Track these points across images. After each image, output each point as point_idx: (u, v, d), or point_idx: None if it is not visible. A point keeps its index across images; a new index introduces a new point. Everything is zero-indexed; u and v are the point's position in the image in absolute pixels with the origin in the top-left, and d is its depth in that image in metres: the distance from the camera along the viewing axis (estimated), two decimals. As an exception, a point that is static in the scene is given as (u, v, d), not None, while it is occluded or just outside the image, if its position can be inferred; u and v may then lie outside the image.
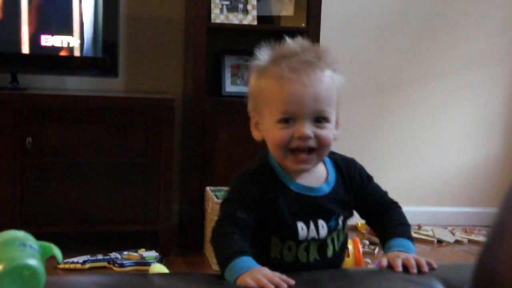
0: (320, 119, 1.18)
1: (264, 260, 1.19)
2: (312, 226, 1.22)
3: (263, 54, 1.23)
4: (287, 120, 1.18)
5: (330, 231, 1.24)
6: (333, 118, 1.21)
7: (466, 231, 3.16)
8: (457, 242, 3.03)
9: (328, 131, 1.19)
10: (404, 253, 1.19)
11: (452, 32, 3.26)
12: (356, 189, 1.29)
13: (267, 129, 1.22)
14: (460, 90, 3.32)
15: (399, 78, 3.25)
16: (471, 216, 3.30)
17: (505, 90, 3.35)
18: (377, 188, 1.33)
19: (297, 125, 1.17)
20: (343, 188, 1.27)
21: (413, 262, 1.15)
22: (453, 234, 3.08)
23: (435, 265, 1.17)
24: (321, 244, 1.24)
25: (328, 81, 1.19)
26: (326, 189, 1.25)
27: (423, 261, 1.16)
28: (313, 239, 1.23)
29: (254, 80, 1.25)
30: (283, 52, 1.21)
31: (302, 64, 1.18)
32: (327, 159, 1.28)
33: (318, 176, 1.26)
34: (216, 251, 1.18)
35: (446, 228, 3.17)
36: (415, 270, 1.14)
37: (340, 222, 1.26)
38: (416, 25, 3.23)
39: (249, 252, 1.14)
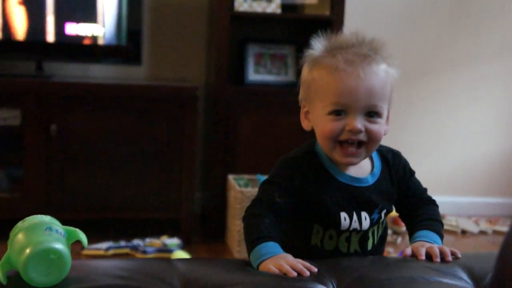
0: (372, 114, 1.17)
1: (304, 246, 1.19)
2: (355, 217, 1.21)
3: (318, 45, 1.21)
4: (339, 112, 1.16)
5: (372, 224, 1.23)
6: (385, 113, 1.19)
7: (490, 222, 3.13)
8: (482, 232, 3.01)
9: (379, 126, 1.18)
10: (429, 243, 1.19)
11: (476, 21, 3.22)
12: (399, 182, 1.28)
13: (317, 120, 1.20)
14: (485, 80, 3.28)
15: (424, 67, 3.22)
16: (496, 206, 3.27)
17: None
18: (418, 184, 1.32)
19: (348, 118, 1.16)
20: (388, 180, 1.26)
21: (437, 251, 1.15)
22: (478, 224, 3.06)
23: (459, 255, 1.16)
24: (363, 236, 1.24)
25: (383, 75, 1.18)
26: (371, 180, 1.24)
27: (447, 250, 1.16)
28: (355, 230, 1.22)
29: (307, 70, 1.23)
30: (339, 44, 1.20)
31: (358, 57, 1.16)
32: None
33: (363, 167, 1.25)
34: (245, 231, 1.18)
35: (470, 218, 3.15)
36: (438, 259, 1.14)
37: (383, 215, 1.25)
38: (441, 13, 3.20)
39: (277, 238, 1.14)
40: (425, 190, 1.33)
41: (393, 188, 1.27)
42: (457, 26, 3.22)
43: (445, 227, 2.91)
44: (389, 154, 1.29)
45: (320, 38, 1.22)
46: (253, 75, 2.87)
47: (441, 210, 3.40)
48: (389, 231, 2.82)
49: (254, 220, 1.17)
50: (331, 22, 2.70)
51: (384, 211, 1.25)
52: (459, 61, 3.24)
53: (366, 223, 1.22)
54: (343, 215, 1.21)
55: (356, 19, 3.03)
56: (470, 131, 3.30)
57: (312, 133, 1.25)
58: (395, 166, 1.28)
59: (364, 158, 1.22)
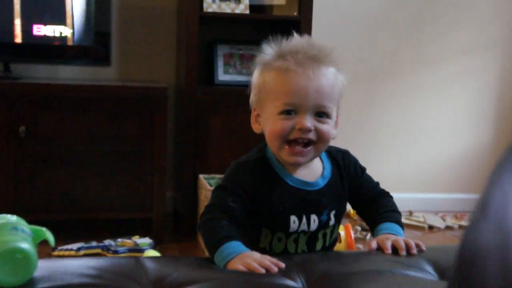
0: (321, 114, 1.19)
1: (253, 249, 1.19)
2: (304, 219, 1.23)
3: (269, 49, 1.23)
4: (289, 112, 1.18)
5: (320, 225, 1.24)
6: (333, 114, 1.21)
7: (456, 217, 3.17)
8: (448, 228, 3.05)
9: (328, 126, 1.20)
10: (394, 236, 1.20)
11: (442, 20, 3.27)
12: (350, 180, 1.30)
13: (267, 121, 1.22)
14: (451, 78, 3.32)
15: (391, 66, 3.25)
16: (462, 202, 3.31)
17: (495, 78, 3.36)
18: (369, 179, 1.34)
19: (298, 117, 1.17)
20: (338, 181, 1.28)
21: (402, 244, 1.16)
22: (444, 220, 3.10)
23: (423, 247, 1.18)
24: (311, 237, 1.25)
25: (332, 77, 1.20)
26: (321, 183, 1.25)
27: (412, 243, 1.17)
28: (303, 231, 1.23)
29: (258, 73, 1.25)
30: (289, 47, 1.21)
31: (307, 59, 1.18)
32: (322, 153, 1.28)
33: (314, 171, 1.26)
34: (204, 237, 1.18)
35: (437, 214, 3.18)
36: (404, 252, 1.15)
37: (333, 217, 1.26)
38: (407, 14, 3.23)
39: (238, 237, 1.14)
40: (377, 184, 1.35)
41: (344, 188, 1.29)
42: (422, 28, 3.25)
43: (413, 223, 2.99)
44: (339, 154, 1.31)
45: (270, 42, 1.24)
46: (223, 75, 2.86)
47: (409, 206, 3.45)
48: (358, 228, 2.84)
49: (211, 224, 1.17)
50: (299, 22, 2.71)
51: (334, 212, 1.27)
52: (426, 61, 3.28)
53: (314, 225, 1.24)
54: (293, 218, 1.22)
55: (324, 19, 3.05)
56: (436, 129, 3.34)
57: (263, 136, 1.25)
58: (345, 166, 1.30)
59: (312, 158, 1.23)
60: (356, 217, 3.02)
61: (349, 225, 2.44)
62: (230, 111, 2.70)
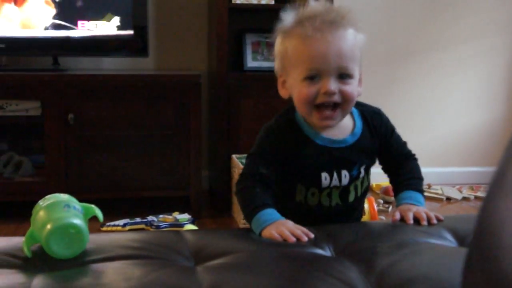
0: (344, 76, 1.14)
1: (289, 203, 1.19)
2: (335, 175, 1.20)
3: (288, 17, 1.19)
4: (312, 77, 1.14)
5: (351, 180, 1.22)
6: (356, 74, 1.17)
7: (472, 189, 3.13)
8: (465, 199, 3.00)
9: (352, 87, 1.16)
10: (415, 206, 1.19)
11: (458, 5, 3.20)
12: (380, 138, 1.26)
13: (293, 87, 1.18)
14: (465, 59, 3.26)
15: (409, 49, 3.20)
16: (477, 175, 3.26)
17: (506, 59, 3.28)
18: (398, 138, 1.31)
19: (322, 82, 1.14)
20: (369, 137, 1.24)
21: (423, 215, 1.15)
22: (461, 192, 3.06)
23: (442, 218, 1.17)
24: (343, 190, 1.23)
25: (351, 38, 1.15)
26: (351, 140, 1.22)
27: (432, 214, 1.16)
28: (336, 186, 1.21)
29: (280, 41, 1.21)
30: (307, 14, 1.17)
31: (325, 24, 1.14)
32: (354, 110, 1.25)
33: (344, 128, 1.23)
34: (241, 204, 1.18)
35: (454, 187, 3.14)
36: (425, 222, 1.14)
37: (363, 170, 1.24)
38: (423, -1, 3.17)
39: (272, 205, 1.14)
40: (405, 143, 1.32)
41: (373, 144, 1.26)
42: (437, 11, 3.19)
43: (431, 195, 2.96)
44: (371, 113, 1.27)
45: (289, 11, 1.19)
46: (251, 62, 2.85)
47: (427, 180, 3.42)
48: (381, 201, 2.82)
49: (245, 192, 1.17)
50: (321, 10, 2.67)
51: (364, 166, 1.24)
52: (440, 43, 3.22)
53: (345, 180, 1.21)
54: (324, 175, 1.20)
55: (345, 5, 3.00)
56: (452, 108, 3.29)
57: (290, 100, 1.22)
58: (375, 124, 1.26)
59: (341, 119, 1.20)
60: (378, 191, 3.00)
61: (372, 199, 2.42)
62: (259, 95, 2.69)
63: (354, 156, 1.22)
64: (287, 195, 1.21)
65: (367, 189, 1.30)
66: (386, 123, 1.29)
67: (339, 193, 1.22)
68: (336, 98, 1.15)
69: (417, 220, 1.15)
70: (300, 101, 1.18)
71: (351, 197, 1.24)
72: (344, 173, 1.21)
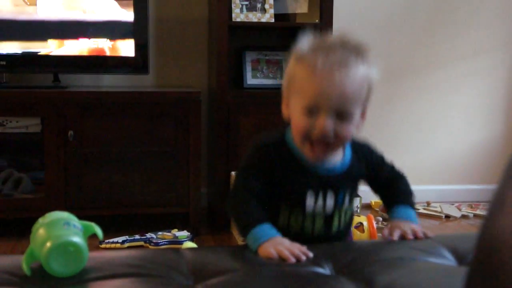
0: (342, 115, 1.14)
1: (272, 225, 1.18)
2: (320, 196, 1.20)
3: (305, 41, 1.18)
4: (311, 110, 1.14)
5: (336, 206, 1.22)
6: (356, 113, 1.16)
7: (471, 207, 3.12)
8: (464, 217, 3.00)
9: (349, 127, 1.15)
10: (405, 223, 1.21)
11: (454, 23, 3.22)
12: (370, 167, 1.28)
13: (293, 112, 1.19)
14: (464, 76, 3.27)
15: (408, 67, 3.22)
16: (476, 193, 3.26)
17: (506, 76, 3.30)
18: (387, 164, 1.33)
19: (319, 117, 1.13)
20: (357, 166, 1.25)
21: (409, 233, 1.18)
22: (460, 210, 3.05)
23: (430, 235, 1.19)
24: (327, 218, 1.22)
25: (359, 79, 1.14)
26: (340, 169, 1.23)
27: (418, 229, 1.19)
28: (320, 212, 1.21)
29: (292, 64, 1.21)
30: (324, 44, 1.17)
31: (336, 61, 1.12)
32: None
33: (333, 157, 1.23)
34: (236, 219, 1.17)
35: (453, 204, 3.14)
36: (411, 237, 1.17)
37: (347, 199, 1.24)
38: (422, 17, 3.19)
39: (267, 219, 1.13)
40: (393, 166, 1.34)
41: (362, 173, 1.27)
42: (435, 29, 3.21)
43: (430, 213, 2.96)
44: (359, 143, 1.29)
45: (309, 35, 1.19)
46: (251, 79, 2.86)
47: (427, 197, 3.40)
48: (380, 218, 2.82)
49: (240, 207, 1.16)
50: (320, 28, 2.69)
51: (348, 193, 1.24)
52: (437, 62, 3.24)
53: (330, 203, 1.21)
54: (309, 193, 1.19)
55: (344, 24, 3.02)
56: (452, 125, 3.30)
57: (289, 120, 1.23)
58: (366, 154, 1.28)
59: (332, 154, 1.21)
60: (377, 208, 2.99)
61: (372, 216, 2.42)
62: (259, 112, 2.70)
63: (342, 184, 1.23)
64: (270, 218, 1.19)
65: (351, 221, 1.30)
66: (376, 152, 1.31)
67: (323, 221, 1.22)
68: (330, 137, 1.15)
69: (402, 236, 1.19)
70: (296, 130, 1.18)
71: (335, 226, 1.23)
72: (330, 194, 1.21)
